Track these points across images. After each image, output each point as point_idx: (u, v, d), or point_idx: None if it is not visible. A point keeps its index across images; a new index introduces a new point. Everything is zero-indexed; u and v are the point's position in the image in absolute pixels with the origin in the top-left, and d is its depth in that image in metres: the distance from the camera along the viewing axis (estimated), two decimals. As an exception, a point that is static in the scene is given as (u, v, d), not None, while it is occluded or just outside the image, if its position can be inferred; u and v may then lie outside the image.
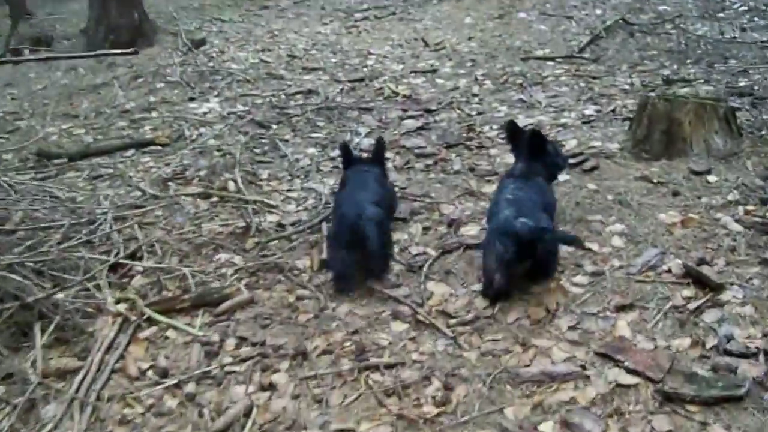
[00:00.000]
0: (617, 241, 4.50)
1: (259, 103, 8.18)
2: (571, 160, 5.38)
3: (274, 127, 7.29)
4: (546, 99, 7.26)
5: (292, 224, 5.23)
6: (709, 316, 3.80)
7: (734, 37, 9.02)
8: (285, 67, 9.71)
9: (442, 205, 5.24)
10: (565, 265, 4.32)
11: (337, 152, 6.23)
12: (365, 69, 9.29)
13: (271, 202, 5.59)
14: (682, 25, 9.74)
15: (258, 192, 5.86)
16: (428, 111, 7.30)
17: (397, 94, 8.03)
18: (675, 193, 4.91)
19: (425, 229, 4.97)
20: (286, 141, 6.90)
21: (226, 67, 9.82)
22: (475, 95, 7.72)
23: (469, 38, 10.33)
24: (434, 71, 8.83)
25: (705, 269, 4.09)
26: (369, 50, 10.29)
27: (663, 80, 7.31)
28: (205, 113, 8.09)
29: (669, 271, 4.18)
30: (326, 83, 8.76)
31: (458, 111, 7.24)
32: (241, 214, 5.42)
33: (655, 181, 5.11)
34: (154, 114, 8.20)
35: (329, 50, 10.51)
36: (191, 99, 8.65)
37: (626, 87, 7.37)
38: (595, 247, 4.46)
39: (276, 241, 5.01)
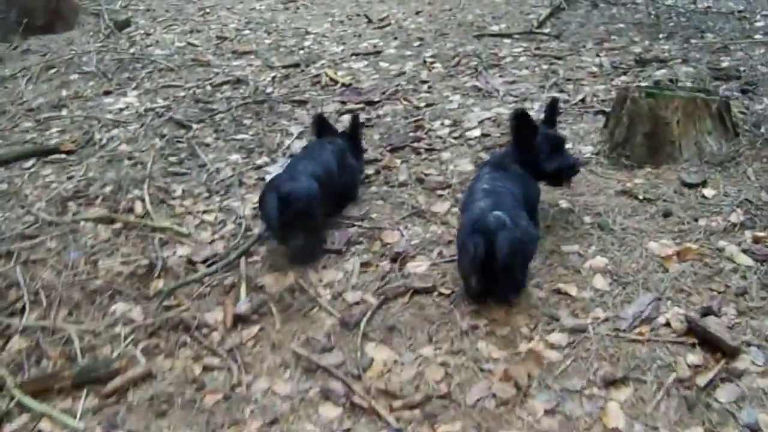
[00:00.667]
0: (600, 282, 3.64)
1: (181, 97, 7.19)
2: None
3: (195, 127, 6.31)
4: (504, 86, 6.35)
5: (205, 261, 4.31)
6: (725, 393, 2.97)
7: (708, 7, 8.18)
8: (214, 51, 8.69)
9: (384, 232, 4.32)
10: (537, 316, 3.43)
11: (263, 159, 5.33)
12: (302, 51, 8.31)
13: (183, 230, 4.66)
14: (649, -8, 8.83)
15: (169, 214, 4.93)
16: (370, 103, 6.35)
17: (336, 82, 7.06)
18: (666, 214, 4.05)
19: (364, 265, 4.06)
20: (207, 145, 5.94)
21: (148, 53, 8.78)
22: (423, 82, 6.78)
23: (417, 12, 9.40)
24: (378, 53, 7.88)
25: (712, 322, 3.22)
26: (307, 29, 9.31)
27: (635, 60, 6.44)
28: (121, 110, 7.11)
29: (667, 324, 3.35)
30: (257, 70, 7.78)
31: (404, 102, 6.31)
32: (145, 248, 4.46)
33: (640, 197, 4.25)
34: (64, 112, 7.18)
35: (263, 29, 9.50)
36: (107, 93, 7.64)
37: (594, 69, 6.47)
38: (573, 290, 3.60)
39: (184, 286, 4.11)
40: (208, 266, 4.29)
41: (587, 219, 4.13)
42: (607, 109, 5.30)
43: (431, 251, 4.08)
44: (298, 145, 5.69)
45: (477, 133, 5.38)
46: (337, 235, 4.32)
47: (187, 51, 8.77)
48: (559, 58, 6.90)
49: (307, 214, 4.00)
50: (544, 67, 6.72)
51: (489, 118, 5.60)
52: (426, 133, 5.58)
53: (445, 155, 5.16)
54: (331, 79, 7.16)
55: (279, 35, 9.13)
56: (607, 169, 4.62)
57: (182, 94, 7.27)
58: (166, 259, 4.36)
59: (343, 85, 6.96)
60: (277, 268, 4.14)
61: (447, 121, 5.73)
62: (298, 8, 10.40)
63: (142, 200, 5.11)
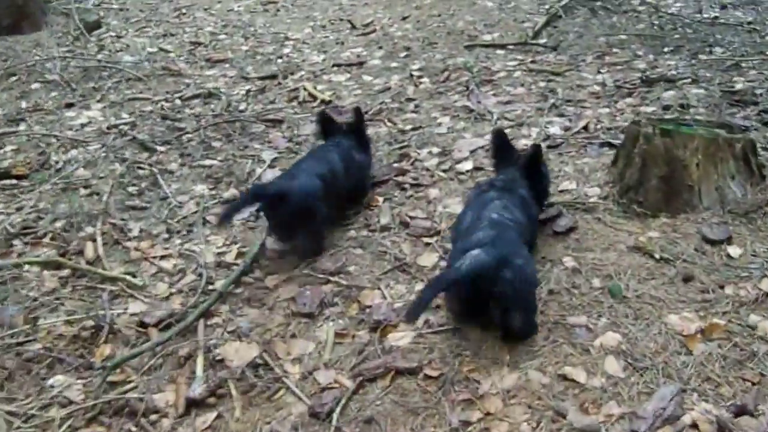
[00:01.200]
0: (613, 366, 3.11)
1: (147, 112, 6.64)
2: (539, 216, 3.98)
3: (160, 149, 5.75)
4: (498, 107, 5.80)
5: (158, 323, 3.75)
6: None
7: (715, 18, 7.61)
8: (186, 59, 8.13)
9: (363, 291, 3.77)
10: (540, 410, 2.92)
11: (232, 192, 4.80)
12: (280, 60, 7.76)
13: (136, 281, 4.10)
14: (652, 0, 8.26)
15: (123, 259, 4.37)
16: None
17: (315, 98, 6.48)
18: (687, 278, 3.51)
19: (339, 335, 3.50)
20: (171, 173, 5.39)
21: (117, 59, 8.18)
22: (410, 100, 6.24)
23: (404, 18, 8.84)
24: (361, 64, 7.32)
25: (747, 425, 2.67)
26: (287, 34, 8.77)
27: (641, 79, 5.88)
28: (82, 125, 6.58)
29: (694, 426, 2.80)
30: (231, 82, 7.23)
31: (389, 124, 5.75)
32: (93, 303, 3.92)
33: (657, 255, 3.69)
34: (22, 127, 6.59)
35: (240, 34, 8.95)
36: (69, 105, 7.10)
37: (596, 88, 5.92)
38: (581, 376, 3.06)
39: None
40: (162, 329, 3.74)
41: (596, 282, 3.59)
42: (614, 141, 4.76)
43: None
44: (270, 175, 5.11)
45: (468, 165, 4.84)
46: (309, 295, 3.78)
47: (158, 58, 8.22)
48: (557, 74, 6.36)
49: (306, 213, 3.97)
50: (542, 84, 6.17)
51: (482, 147, 5.04)
52: (412, 164, 5.04)
53: (433, 192, 4.63)
54: (310, 95, 6.62)
55: (257, 41, 8.58)
56: (617, 217, 4.07)
57: (149, 108, 6.72)
58: (116, 318, 3.82)
59: (322, 102, 6.41)
60: (240, 335, 3.58)
61: (435, 149, 5.19)
62: (278, 10, 9.83)
63: (95, 240, 4.53)
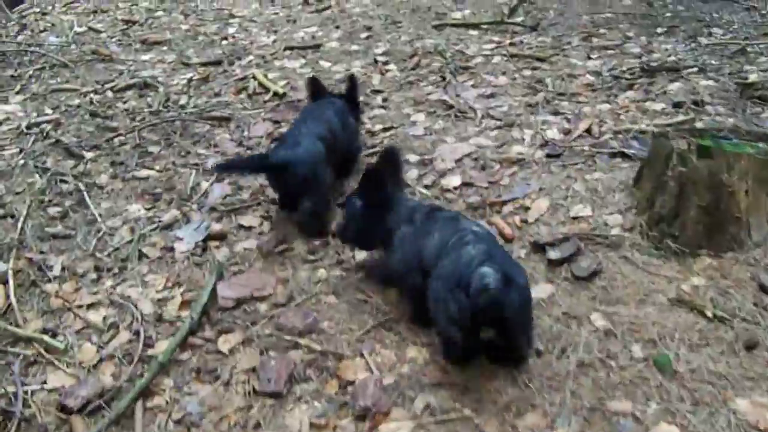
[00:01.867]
0: (675, 476, 2.34)
1: (74, 107, 5.77)
2: (552, 253, 3.21)
3: (87, 156, 4.90)
4: (481, 101, 5.02)
5: (84, 407, 2.94)
6: None
7: (709, -7, 6.85)
8: (118, 40, 7.20)
9: (343, 362, 2.99)
10: None
11: (172, 213, 3.99)
12: (225, 42, 6.88)
13: (57, 343, 3.28)
14: (634, -29, 7.51)
15: (41, 309, 3.53)
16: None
17: (267, 89, 5.63)
18: (750, 345, 2.81)
19: (316, 427, 2.71)
20: (101, 188, 4.55)
21: (40, 40, 7.18)
22: (377, 92, 5.44)
23: None
24: (317, 47, 6.46)
25: None
26: (231, 11, 7.79)
27: (641, 68, 5.15)
28: (-1, 123, 5.61)
29: None
30: (170, 69, 6.35)
31: (355, 123, 4.90)
32: (2, 376, 3.10)
33: (708, 313, 2.94)
34: (-71, 126, 5.66)
35: (179, 10, 8.03)
36: (-17, 98, 6.12)
37: (590, 78, 5.19)
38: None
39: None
40: (89, 415, 2.92)
41: (637, 349, 2.86)
42: (627, 151, 4.00)
43: (413, 399, 2.75)
44: (218, 192, 4.28)
45: (456, 180, 4.05)
46: (273, 366, 2.99)
47: (87, 39, 7.31)
48: (541, 60, 5.60)
49: (312, 182, 3.73)
50: (526, 72, 5.41)
51: (469, 155, 4.26)
52: (386, 177, 4.21)
53: (416, 216, 3.80)
54: (261, 85, 5.76)
55: (198, 19, 7.68)
56: (648, 255, 3.33)
57: (76, 102, 5.85)
58: (30, 398, 2.97)
59: (275, 94, 5.55)
60: (189, 425, 2.78)
61: (413, 157, 4.39)
62: None
63: (6, 282, 3.68)
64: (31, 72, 6.59)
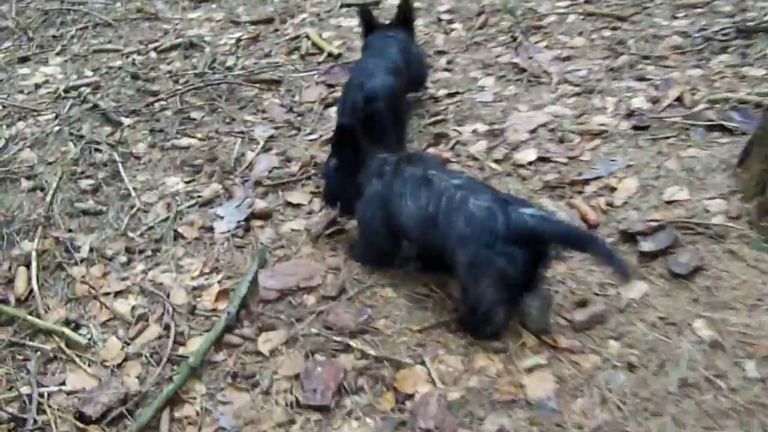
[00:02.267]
0: None
1: (115, 69, 5.42)
2: (644, 244, 2.72)
3: (126, 122, 4.52)
4: (556, 65, 4.51)
5: (103, 417, 2.61)
6: None
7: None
8: (165, -3, 6.74)
9: (400, 371, 2.55)
10: None
11: (213, 188, 3.63)
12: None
13: (78, 338, 2.90)
14: None
15: (65, 296, 3.16)
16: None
17: (321, 50, 5.17)
18: None
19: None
20: (137, 158, 4.15)
21: (83, -1, 6.81)
22: (440, 52, 4.97)
23: None
24: (377, 3, 5.93)
25: None
26: (285, -35, 7.29)
27: (736, 29, 4.56)
28: (37, 87, 5.39)
29: None
30: (218, 27, 5.92)
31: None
32: (18, 373, 2.75)
33: None
34: (-40, 88, 5.37)
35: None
36: (23, 60, 5.83)
37: (677, 39, 4.62)
38: None
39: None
40: (109, 425, 2.53)
41: (751, 368, 2.40)
42: (727, 124, 3.49)
43: (482, 420, 2.31)
44: (264, 164, 3.86)
45: (531, 155, 3.56)
46: (320, 374, 2.56)
47: (133, -5, 6.82)
48: (622, 19, 5.04)
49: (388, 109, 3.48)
50: (606, 33, 4.86)
51: (544, 125, 3.77)
52: (452, 149, 3.80)
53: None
54: (315, 45, 5.29)
55: (251, -33, 7.16)
56: (759, 250, 2.80)
57: (118, 63, 5.49)
58: (46, 401, 2.60)
59: (330, 55, 5.09)
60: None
61: (481, 127, 3.93)
62: None
63: (29, 265, 3.30)
64: (73, 32, 6.24)
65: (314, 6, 6.15)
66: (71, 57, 5.77)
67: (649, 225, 2.93)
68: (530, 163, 3.56)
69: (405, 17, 4.09)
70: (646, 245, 2.85)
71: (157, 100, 4.76)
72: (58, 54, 5.86)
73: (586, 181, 3.35)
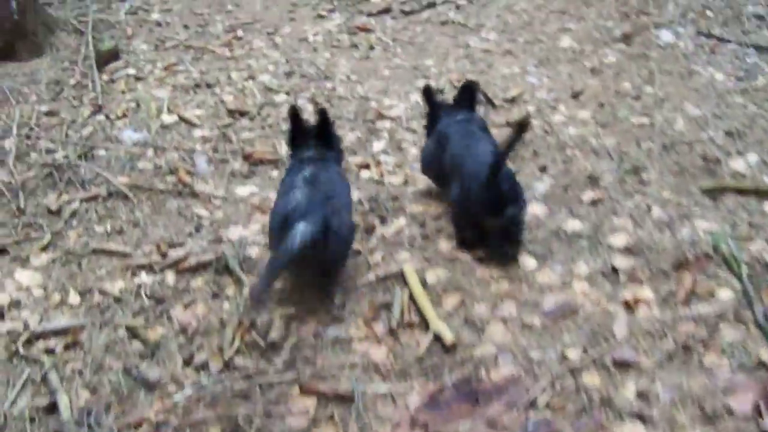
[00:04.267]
0: None
1: (109, 300, 3.63)
2: None
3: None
4: None
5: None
6: None
7: None
8: (212, 153, 4.83)
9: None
10: None
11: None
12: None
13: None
14: None
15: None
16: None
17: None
18: None
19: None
20: None
21: (112, 135, 5.01)
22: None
23: (575, 95, 5.29)
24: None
25: None
26: (380, 100, 5.36)
27: None
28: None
29: None
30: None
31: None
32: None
33: None
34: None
35: (310, 92, 5.59)
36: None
37: None
38: None
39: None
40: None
41: None
42: None
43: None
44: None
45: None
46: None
47: (173, 139, 4.96)
48: None
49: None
50: None
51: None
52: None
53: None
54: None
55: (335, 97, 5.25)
56: None
57: (117, 287, 3.88)
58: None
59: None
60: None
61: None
62: (371, 48, 6.38)
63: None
64: (77, 203, 4.34)
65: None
66: (61, 256, 3.90)
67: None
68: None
69: (468, 96, 4.10)
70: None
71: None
72: (43, 249, 3.98)
73: None
